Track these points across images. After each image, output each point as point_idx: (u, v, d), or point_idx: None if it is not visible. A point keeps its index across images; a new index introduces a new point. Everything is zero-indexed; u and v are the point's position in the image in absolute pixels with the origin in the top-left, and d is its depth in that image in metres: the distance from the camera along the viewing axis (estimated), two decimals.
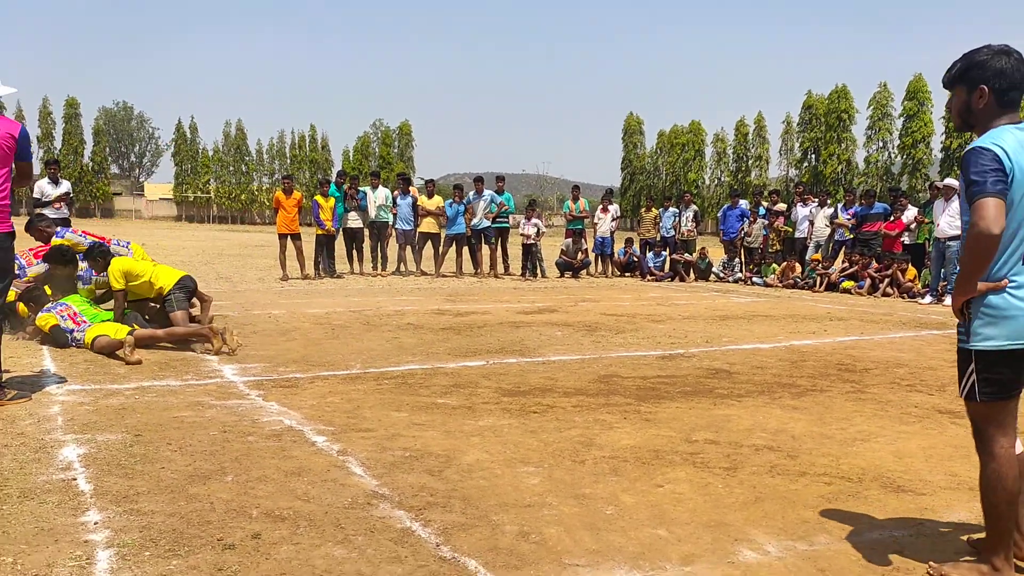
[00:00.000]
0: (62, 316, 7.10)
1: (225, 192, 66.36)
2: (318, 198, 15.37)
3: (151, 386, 5.62)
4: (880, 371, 6.83)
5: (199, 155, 66.90)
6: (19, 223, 5.59)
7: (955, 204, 13.17)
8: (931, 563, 2.94)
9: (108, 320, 7.20)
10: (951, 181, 12.74)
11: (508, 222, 17.17)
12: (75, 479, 3.65)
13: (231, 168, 66.82)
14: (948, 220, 12.69)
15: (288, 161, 66.37)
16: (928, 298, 13.07)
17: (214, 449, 4.16)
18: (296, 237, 14.76)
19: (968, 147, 2.75)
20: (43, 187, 11.93)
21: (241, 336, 7.85)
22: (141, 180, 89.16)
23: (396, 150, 65.66)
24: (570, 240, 17.80)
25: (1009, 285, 2.71)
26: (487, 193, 16.45)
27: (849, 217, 15.44)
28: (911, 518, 3.48)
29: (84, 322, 7.07)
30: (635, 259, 18.24)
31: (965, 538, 3.20)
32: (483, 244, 16.60)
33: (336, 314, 9.80)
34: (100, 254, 7.72)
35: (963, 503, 3.65)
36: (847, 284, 14.75)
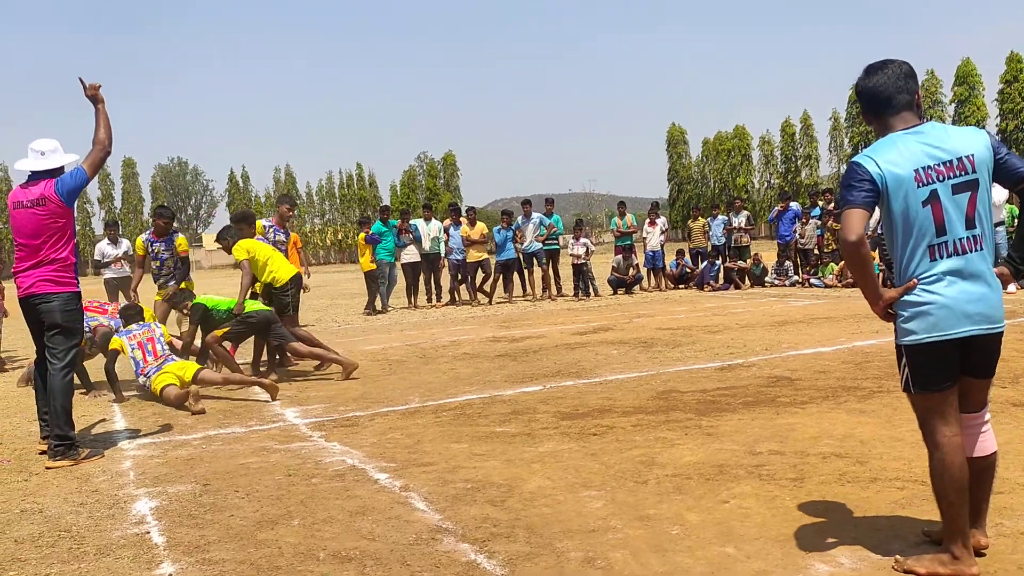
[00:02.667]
0: (132, 344, 7.18)
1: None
2: (360, 238, 15.64)
3: (217, 434, 5.74)
4: None
5: (252, 202, 68.54)
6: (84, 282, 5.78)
7: (996, 192, 12.83)
8: (897, 556, 2.98)
9: (176, 363, 7.26)
10: None
11: (558, 244, 17.17)
12: (148, 532, 3.74)
13: None
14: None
15: (337, 201, 67.53)
16: (1013, 286, 12.63)
17: (280, 493, 4.22)
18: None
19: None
20: (103, 248, 12.30)
21: (301, 378, 7.98)
22: (199, 231, 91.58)
23: (442, 181, 66.31)
24: (620, 256, 17.71)
25: (921, 282, 2.85)
26: (536, 216, 16.49)
27: None
28: (989, 519, 3.35)
29: (155, 358, 7.12)
30: (688, 270, 18.06)
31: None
32: (535, 267, 16.59)
33: (392, 349, 9.90)
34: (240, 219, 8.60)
35: None
36: None
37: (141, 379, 7.12)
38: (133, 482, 4.61)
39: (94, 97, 5.44)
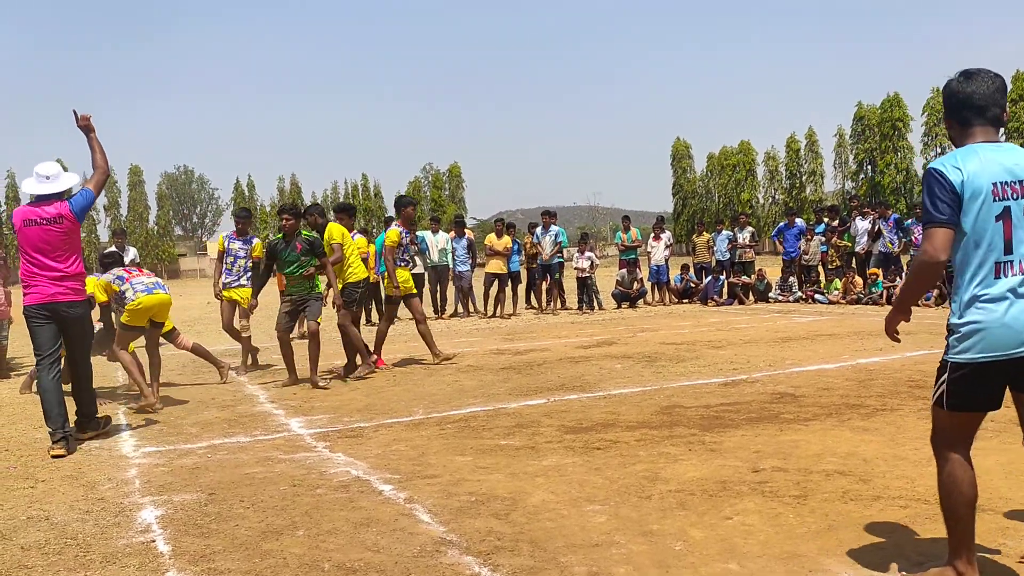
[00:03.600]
0: (113, 277, 7.48)
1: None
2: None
3: (222, 443, 5.76)
4: None
5: (257, 211, 68.73)
6: None
7: None
8: (903, 573, 3.00)
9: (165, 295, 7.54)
10: None
11: (563, 256, 17.22)
12: (154, 541, 3.76)
13: None
14: None
15: None
16: None
17: (285, 504, 4.24)
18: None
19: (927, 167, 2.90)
20: None
21: (306, 388, 8.00)
22: (204, 240, 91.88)
23: (447, 192, 66.55)
24: (625, 271, 17.75)
25: (981, 300, 2.80)
26: (554, 228, 16.53)
27: (890, 228, 15.26)
28: (992, 539, 3.36)
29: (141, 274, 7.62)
30: (692, 285, 18.09)
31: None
32: (549, 279, 16.60)
33: (397, 360, 9.91)
34: (318, 212, 9.07)
35: None
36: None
37: (124, 287, 7.34)
38: (139, 490, 4.63)
39: (86, 127, 6.07)
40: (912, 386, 6.70)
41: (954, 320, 2.85)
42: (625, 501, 4.07)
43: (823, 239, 16.77)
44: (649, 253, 18.04)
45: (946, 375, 2.88)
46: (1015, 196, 2.79)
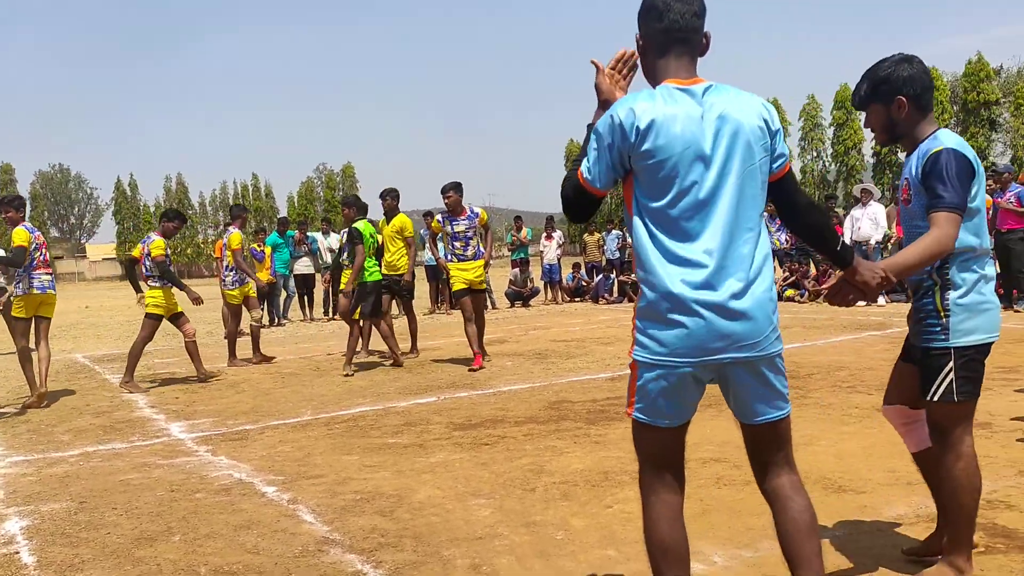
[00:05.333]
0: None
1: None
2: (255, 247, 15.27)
3: (96, 451, 5.52)
4: (822, 375, 7.00)
5: (140, 212, 65.90)
6: None
7: (872, 207, 13.70)
8: None
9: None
10: (868, 186, 13.43)
11: None
12: (17, 552, 3.57)
13: None
14: (869, 224, 13.23)
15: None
16: (883, 299, 13.36)
17: (161, 510, 4.11)
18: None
19: (941, 148, 2.70)
20: None
21: (190, 391, 7.76)
22: (83, 242, 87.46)
23: (340, 193, 65.45)
24: (517, 270, 17.91)
25: (984, 278, 2.74)
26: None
27: (777, 227, 15.89)
28: (852, 516, 3.58)
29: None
30: (584, 284, 18.41)
31: (904, 550, 3.12)
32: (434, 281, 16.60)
33: (286, 362, 9.72)
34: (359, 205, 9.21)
35: (901, 498, 3.77)
36: (789, 292, 15.08)
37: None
38: (3, 501, 4.39)
39: None
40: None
41: (953, 302, 2.72)
42: (510, 494, 4.12)
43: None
44: (542, 252, 18.26)
45: (952, 363, 2.72)
46: None
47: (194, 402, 7.23)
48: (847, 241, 13.82)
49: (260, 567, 3.28)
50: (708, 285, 2.21)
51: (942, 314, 2.73)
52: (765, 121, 2.28)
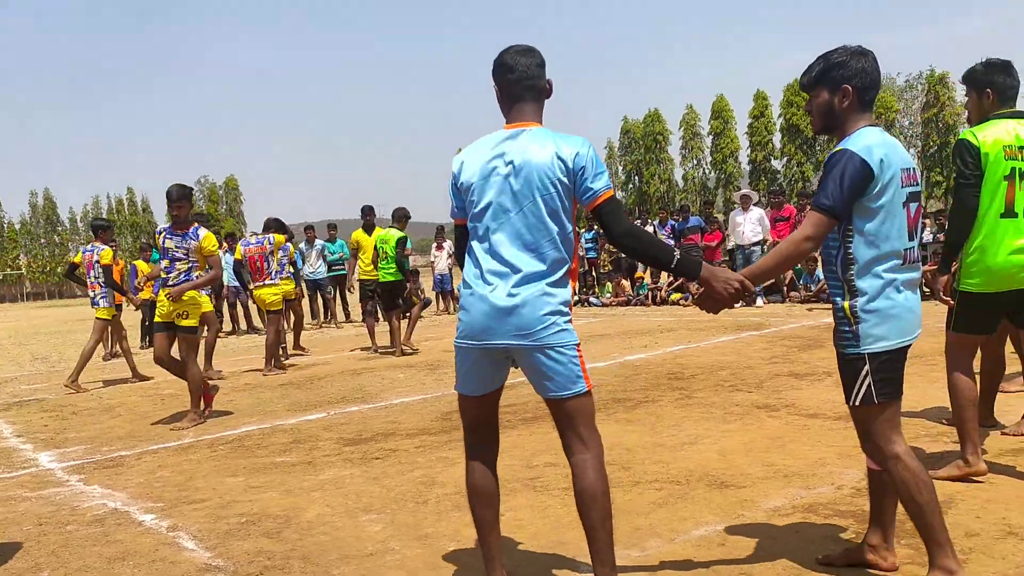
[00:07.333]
0: None
1: (38, 266, 61.90)
2: (139, 263, 14.60)
3: None
4: (705, 375, 7.23)
5: (4, 229, 62.12)
6: None
7: (753, 211, 14.30)
8: None
9: None
10: (748, 192, 14.08)
11: (344, 269, 16.94)
12: None
13: (43, 240, 62.48)
14: (751, 228, 13.80)
15: None
16: (760, 300, 13.90)
17: (28, 545, 3.86)
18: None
19: (844, 148, 2.69)
20: None
21: (60, 418, 7.34)
22: None
23: (224, 207, 63.45)
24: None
25: (894, 284, 2.71)
26: (318, 243, 16.21)
27: (667, 234, 16.34)
28: (733, 511, 3.70)
29: None
30: None
31: (818, 559, 3.07)
32: (319, 295, 16.30)
33: (167, 383, 9.31)
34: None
35: (778, 490, 3.93)
36: (675, 296, 15.53)
37: None
38: None
39: None
40: (671, 378, 7.22)
41: (863, 309, 2.72)
42: (402, 508, 4.07)
43: (591, 245, 17.72)
44: (433, 263, 18.20)
45: (867, 367, 2.72)
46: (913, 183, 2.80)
47: (64, 429, 6.84)
48: (730, 245, 14.42)
49: None
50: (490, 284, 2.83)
51: (852, 321, 2.73)
52: (562, 160, 2.71)
